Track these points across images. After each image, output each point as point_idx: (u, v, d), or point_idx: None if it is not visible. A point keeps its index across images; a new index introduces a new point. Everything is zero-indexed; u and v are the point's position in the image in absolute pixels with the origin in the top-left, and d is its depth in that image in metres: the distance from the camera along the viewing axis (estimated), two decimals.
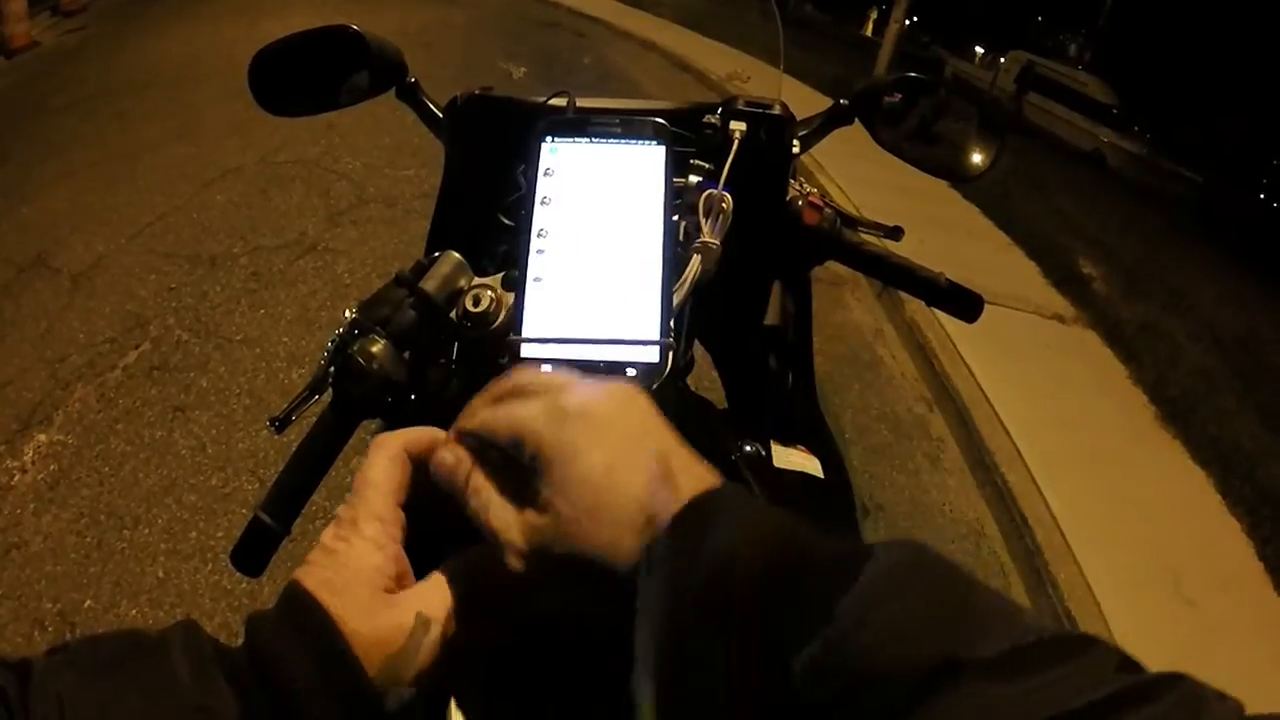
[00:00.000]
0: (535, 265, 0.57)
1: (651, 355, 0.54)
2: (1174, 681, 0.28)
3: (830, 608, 0.31)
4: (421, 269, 0.67)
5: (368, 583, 0.43)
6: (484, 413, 0.46)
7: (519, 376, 0.47)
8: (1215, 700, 0.28)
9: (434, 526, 0.47)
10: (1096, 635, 0.31)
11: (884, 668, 0.29)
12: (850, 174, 5.60)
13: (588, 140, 0.61)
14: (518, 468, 0.43)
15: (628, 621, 0.37)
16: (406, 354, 0.65)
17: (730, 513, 0.37)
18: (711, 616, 0.33)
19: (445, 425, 0.74)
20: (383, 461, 0.47)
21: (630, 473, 0.40)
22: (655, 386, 0.54)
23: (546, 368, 0.54)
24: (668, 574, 0.36)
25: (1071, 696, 0.27)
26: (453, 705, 0.46)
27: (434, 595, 0.44)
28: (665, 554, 0.37)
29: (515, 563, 0.41)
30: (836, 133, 1.01)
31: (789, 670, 0.30)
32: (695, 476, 0.41)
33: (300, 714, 0.38)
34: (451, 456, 0.46)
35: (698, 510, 0.38)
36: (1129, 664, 0.30)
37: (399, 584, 0.44)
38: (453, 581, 0.45)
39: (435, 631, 0.42)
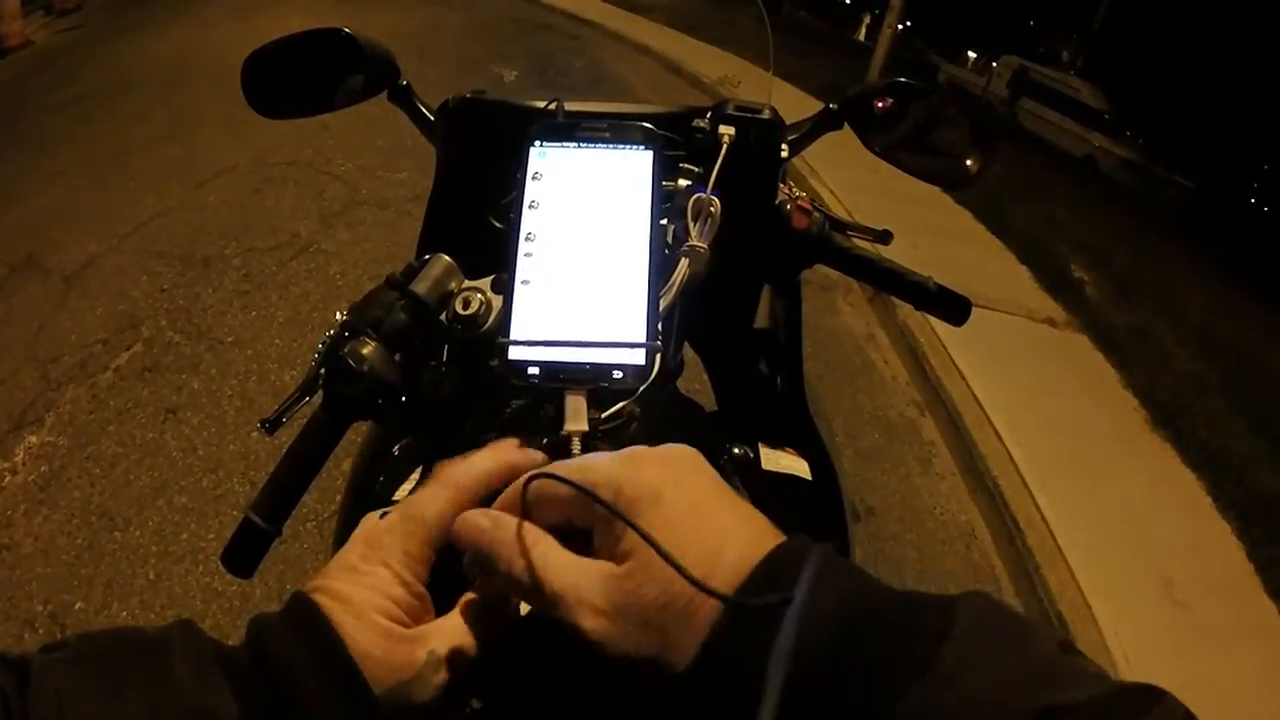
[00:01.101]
0: (524, 268, 0.57)
1: (638, 358, 0.54)
2: None
3: (935, 653, 0.31)
4: (413, 271, 0.67)
5: (384, 611, 0.42)
6: (551, 469, 0.43)
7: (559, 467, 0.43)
8: None
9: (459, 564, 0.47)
10: (1162, 688, 0.32)
11: (987, 712, 0.30)
12: (843, 179, 5.61)
13: (576, 145, 0.61)
14: (576, 526, 0.42)
15: (707, 668, 0.35)
16: (397, 356, 0.65)
17: (821, 561, 0.36)
18: (825, 661, 0.33)
19: (435, 427, 0.75)
20: (441, 501, 0.46)
21: (713, 511, 0.40)
22: (642, 390, 0.54)
23: (534, 370, 0.54)
24: (796, 612, 0.34)
25: None
26: None
27: (449, 636, 0.43)
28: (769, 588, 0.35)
29: (592, 622, 0.38)
30: (830, 138, 1.01)
31: (894, 715, 0.30)
32: (763, 522, 0.40)
33: (303, 717, 0.38)
34: (488, 520, 0.44)
35: (789, 551, 0.37)
36: (1192, 716, 0.31)
37: (416, 620, 0.44)
38: (470, 625, 0.44)
39: (444, 675, 0.42)
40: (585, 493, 0.40)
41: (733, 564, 0.37)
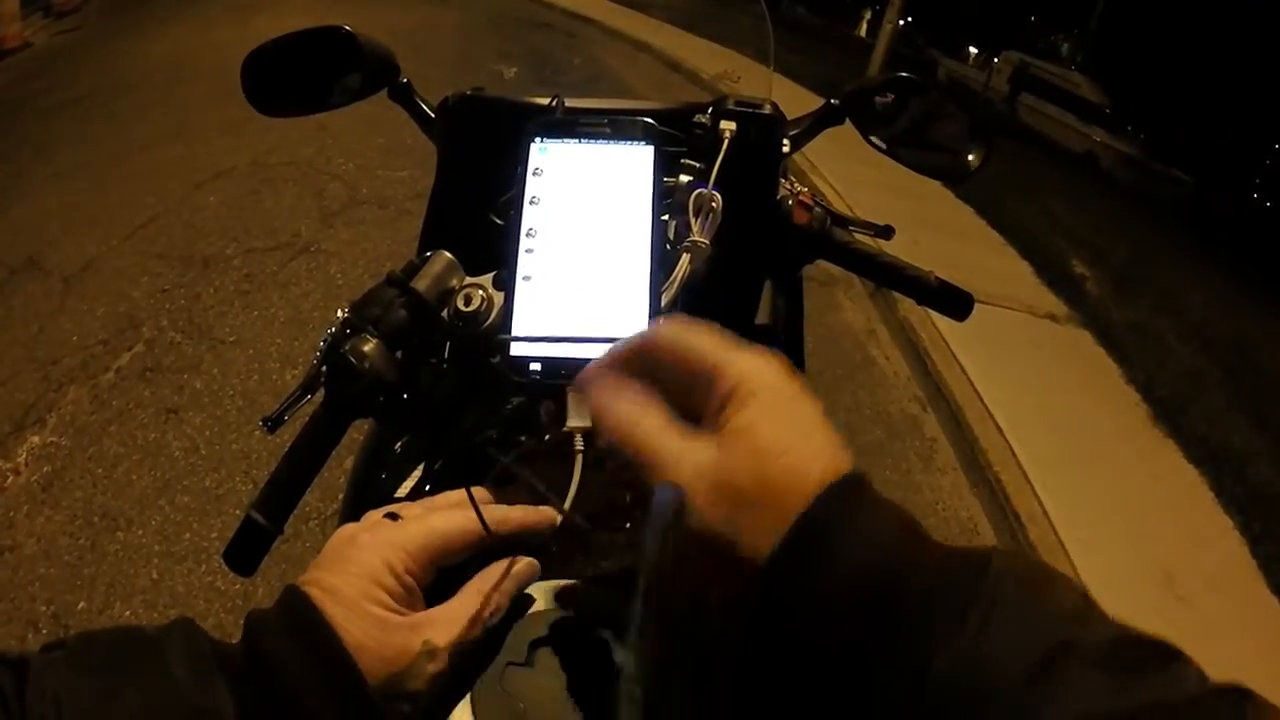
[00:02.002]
0: (525, 265, 0.57)
1: None
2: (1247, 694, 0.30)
3: (965, 615, 0.32)
4: (413, 268, 0.67)
5: (376, 600, 0.42)
6: (665, 337, 0.42)
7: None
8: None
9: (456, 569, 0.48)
10: (1176, 648, 0.32)
11: (1005, 651, 0.30)
12: (844, 175, 5.61)
13: (577, 140, 0.61)
14: (687, 400, 0.41)
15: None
16: (398, 353, 0.65)
17: (873, 501, 0.36)
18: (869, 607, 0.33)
19: (436, 425, 0.75)
20: (463, 522, 0.47)
21: (811, 410, 0.39)
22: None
23: (535, 366, 0.54)
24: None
25: (1172, 691, 0.30)
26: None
27: (445, 626, 0.43)
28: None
29: (688, 486, 0.37)
30: (830, 134, 1.01)
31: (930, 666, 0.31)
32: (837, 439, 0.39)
33: (298, 712, 0.38)
34: (608, 377, 0.43)
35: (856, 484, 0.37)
36: (1205, 676, 0.31)
37: (409, 610, 0.44)
38: (467, 615, 0.44)
39: (439, 665, 0.42)
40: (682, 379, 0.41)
41: (819, 471, 0.36)
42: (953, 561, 0.34)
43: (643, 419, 0.40)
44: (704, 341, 0.41)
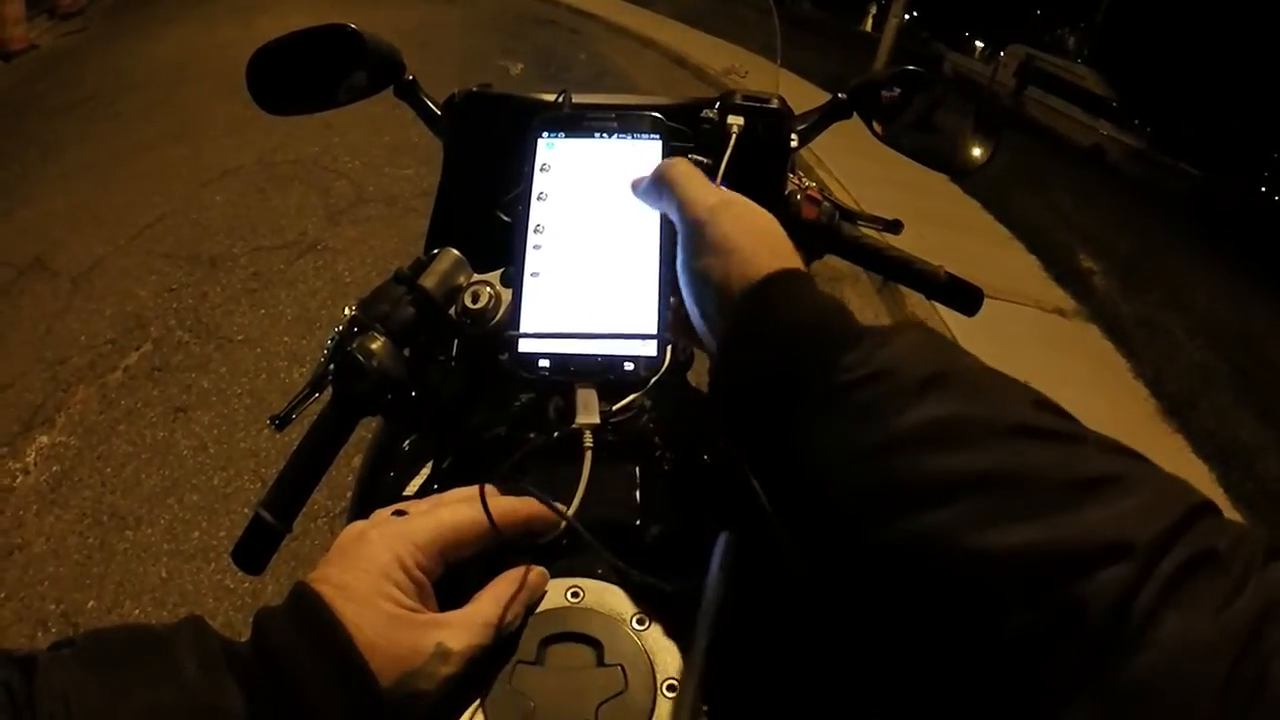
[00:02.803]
0: (533, 261, 0.57)
1: (650, 349, 0.54)
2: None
3: (865, 332, 0.42)
4: (421, 266, 0.67)
5: (388, 596, 0.42)
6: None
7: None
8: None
9: (464, 567, 0.48)
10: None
11: (899, 364, 0.39)
12: (850, 169, 5.60)
13: (584, 136, 0.61)
14: None
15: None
16: (406, 351, 0.65)
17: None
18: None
19: (444, 423, 0.75)
20: (471, 515, 0.47)
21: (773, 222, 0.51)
22: (654, 381, 0.54)
23: (544, 363, 0.54)
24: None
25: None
26: None
27: (459, 630, 0.43)
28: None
29: (695, 214, 0.50)
30: (836, 128, 1.01)
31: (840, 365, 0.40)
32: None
33: (309, 711, 0.37)
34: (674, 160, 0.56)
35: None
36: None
37: (420, 602, 0.44)
38: (482, 621, 0.44)
39: (451, 667, 0.42)
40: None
41: (788, 250, 0.49)
42: (869, 325, 0.43)
43: (680, 167, 0.54)
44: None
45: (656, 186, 0.54)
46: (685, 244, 0.50)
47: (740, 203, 0.51)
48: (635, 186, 0.57)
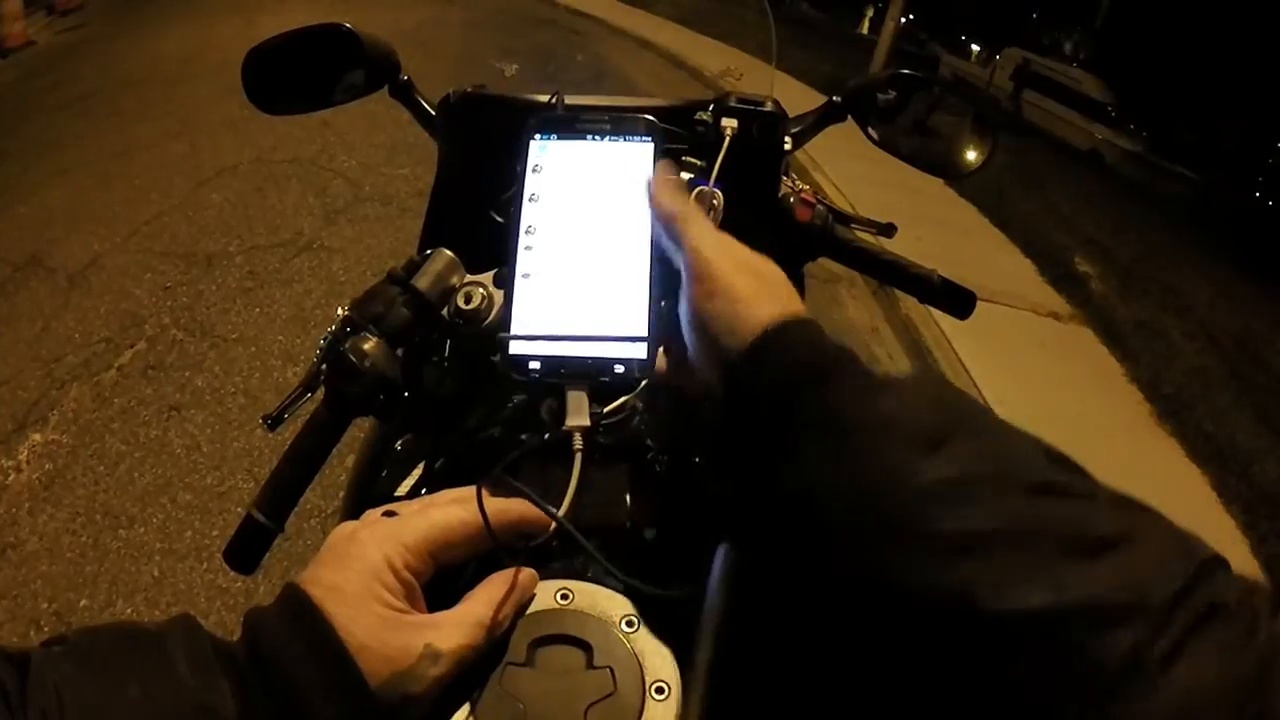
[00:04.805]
0: (524, 263, 0.57)
1: (641, 352, 0.54)
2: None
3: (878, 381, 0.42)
4: (414, 266, 0.67)
5: (378, 598, 0.42)
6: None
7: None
8: None
9: (454, 568, 0.48)
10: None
11: (911, 416, 0.39)
12: (845, 171, 5.60)
13: (577, 137, 0.60)
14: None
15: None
16: (399, 351, 0.65)
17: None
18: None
19: (437, 423, 0.74)
20: (462, 515, 0.47)
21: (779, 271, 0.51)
22: (645, 384, 0.54)
23: (535, 365, 0.54)
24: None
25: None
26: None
27: (449, 631, 0.43)
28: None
29: (701, 258, 0.49)
30: (834, 130, 1.01)
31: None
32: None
33: (300, 712, 0.38)
34: (674, 184, 0.56)
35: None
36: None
37: (410, 603, 0.44)
38: (472, 622, 0.44)
39: (443, 667, 0.42)
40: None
41: (782, 298, 0.48)
42: (882, 372, 0.43)
43: (688, 209, 0.53)
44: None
45: (661, 221, 0.54)
46: (690, 287, 0.50)
47: (744, 247, 0.51)
48: (639, 193, 0.57)
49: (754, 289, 0.47)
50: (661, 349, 0.55)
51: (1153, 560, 0.33)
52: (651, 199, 0.55)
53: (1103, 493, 0.37)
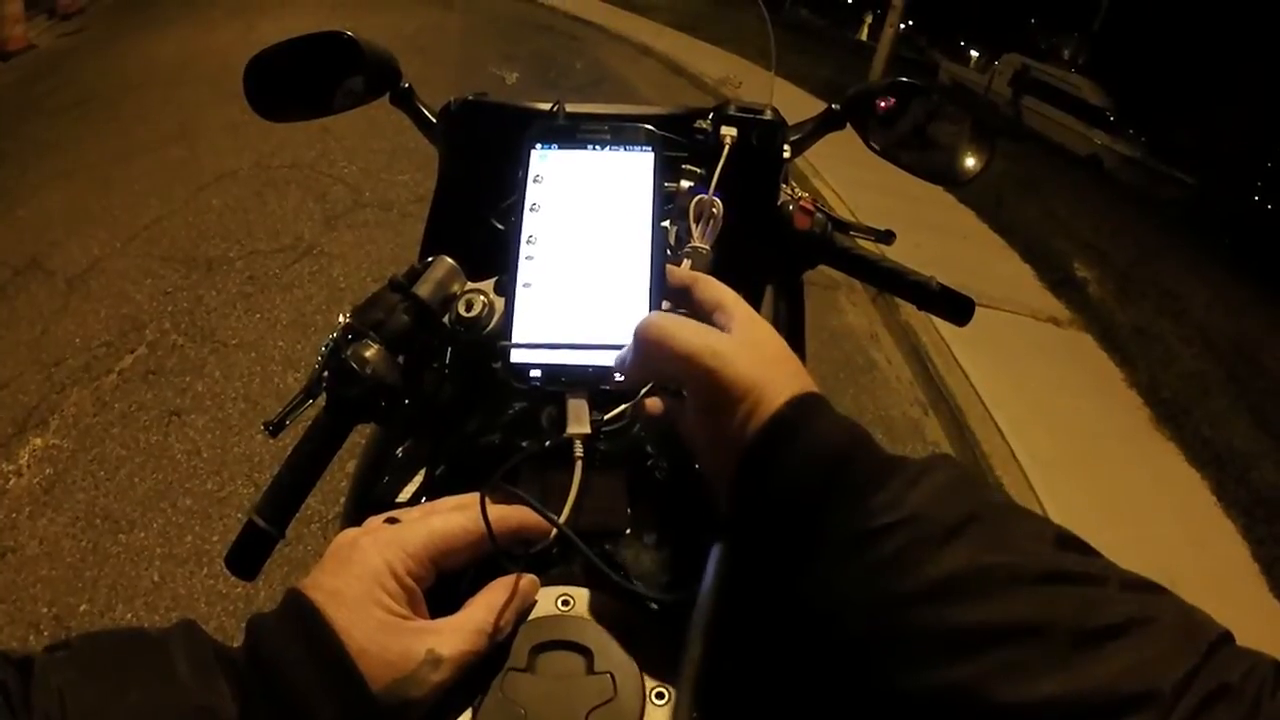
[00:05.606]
0: (525, 271, 0.57)
1: None
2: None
3: (893, 471, 0.42)
4: (415, 274, 0.67)
5: (379, 603, 0.42)
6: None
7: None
8: None
9: (456, 575, 0.48)
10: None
11: (928, 509, 0.39)
12: (844, 178, 5.61)
13: (577, 147, 0.61)
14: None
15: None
16: (400, 358, 0.66)
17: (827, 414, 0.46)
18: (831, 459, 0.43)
19: (438, 430, 0.75)
20: (464, 522, 0.48)
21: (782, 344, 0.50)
22: (645, 392, 0.54)
23: (535, 373, 0.55)
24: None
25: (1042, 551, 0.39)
26: None
27: (451, 637, 0.43)
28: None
29: (700, 364, 0.47)
30: (831, 137, 1.01)
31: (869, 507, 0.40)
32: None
33: (301, 715, 0.38)
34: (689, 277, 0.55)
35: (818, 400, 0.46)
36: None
37: (412, 609, 0.44)
38: (473, 629, 0.44)
39: (444, 673, 0.42)
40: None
41: (791, 375, 0.47)
42: (895, 458, 0.43)
43: (682, 323, 0.50)
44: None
45: (645, 350, 0.49)
46: (695, 396, 0.48)
47: (740, 330, 0.49)
48: (619, 360, 0.53)
49: (762, 374, 0.47)
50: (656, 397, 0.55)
51: (1162, 645, 0.34)
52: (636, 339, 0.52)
53: (1113, 575, 0.38)
